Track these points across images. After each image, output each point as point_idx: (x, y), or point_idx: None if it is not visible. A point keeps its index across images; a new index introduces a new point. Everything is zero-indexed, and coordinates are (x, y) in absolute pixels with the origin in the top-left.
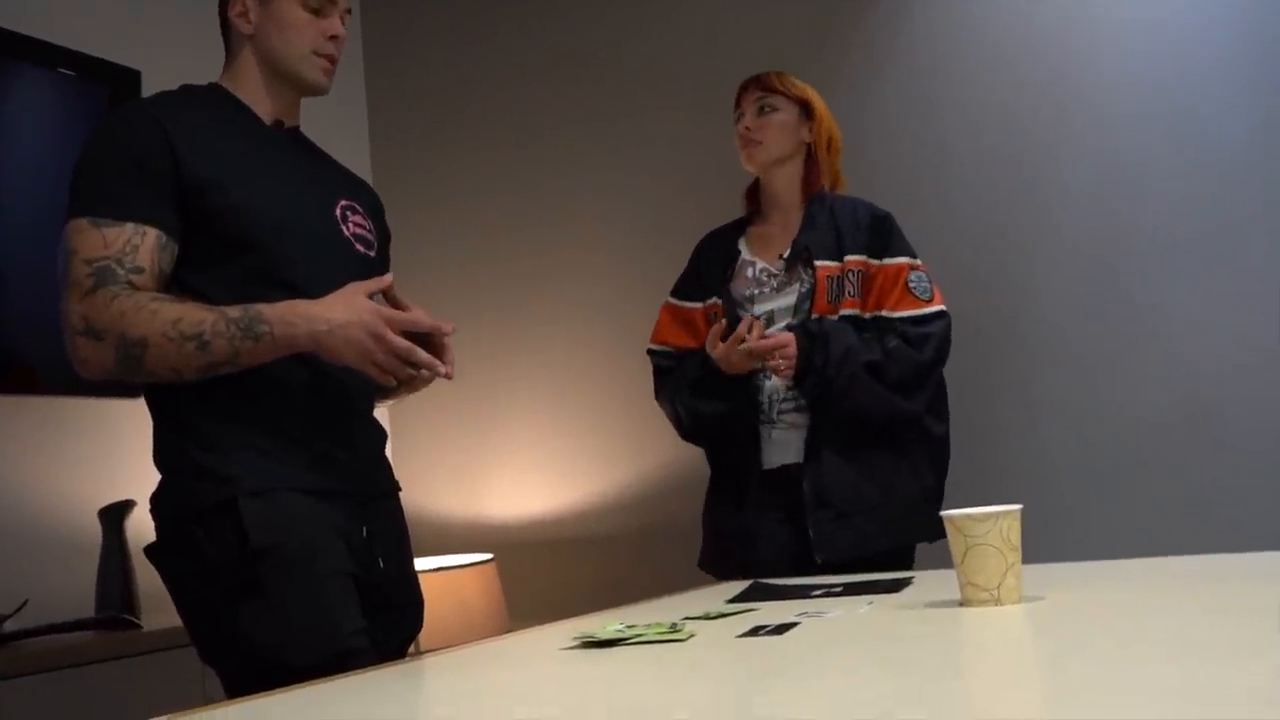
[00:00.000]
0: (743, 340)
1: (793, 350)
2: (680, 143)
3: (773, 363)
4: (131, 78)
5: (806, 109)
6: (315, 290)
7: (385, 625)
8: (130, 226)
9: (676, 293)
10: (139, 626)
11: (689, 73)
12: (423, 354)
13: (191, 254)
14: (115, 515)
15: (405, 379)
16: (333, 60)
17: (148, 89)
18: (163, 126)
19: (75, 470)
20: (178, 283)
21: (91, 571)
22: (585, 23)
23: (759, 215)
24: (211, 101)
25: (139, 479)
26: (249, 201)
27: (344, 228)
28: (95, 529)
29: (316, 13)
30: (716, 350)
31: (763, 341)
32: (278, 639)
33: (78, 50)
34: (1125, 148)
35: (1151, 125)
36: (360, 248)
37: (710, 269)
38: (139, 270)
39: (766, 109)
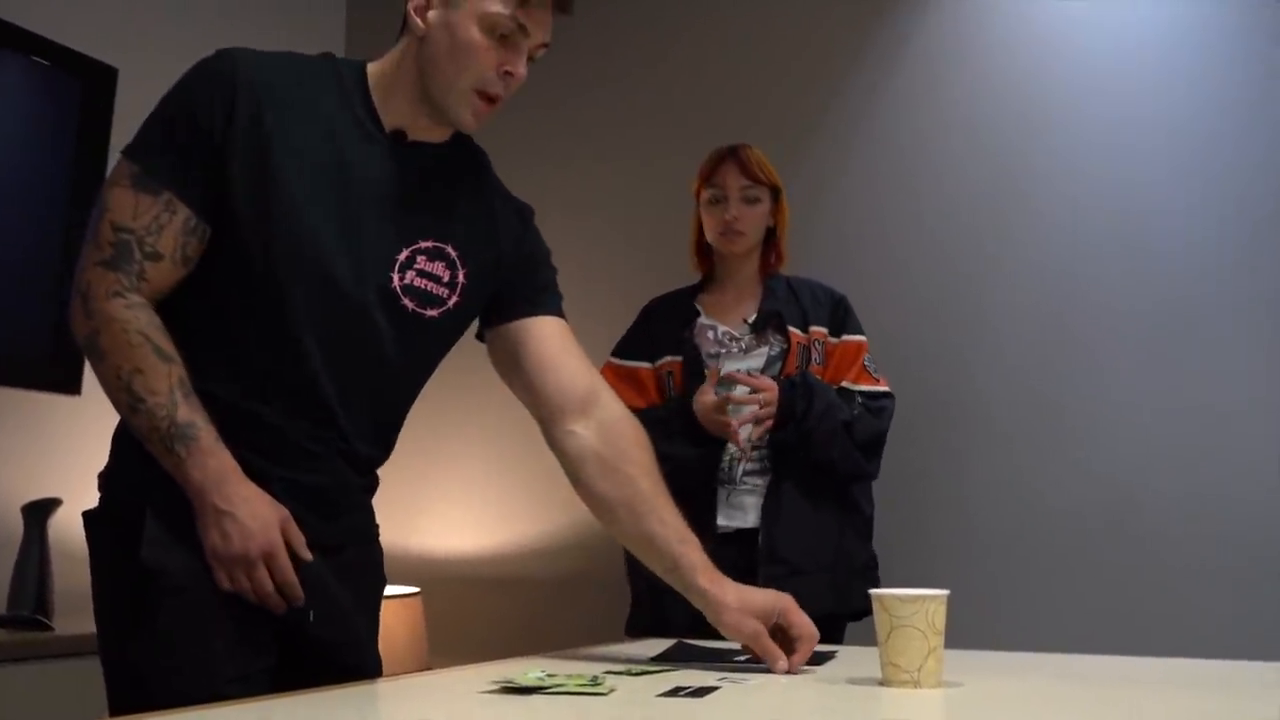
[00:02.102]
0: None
1: (774, 395)
2: (634, 199)
3: (752, 408)
4: (108, 75)
5: (776, 194)
6: (317, 350)
7: (322, 683)
8: (164, 198)
9: (620, 353)
10: (50, 629)
11: (647, 133)
12: (291, 594)
13: (205, 273)
14: (39, 512)
15: (260, 602)
16: (494, 100)
17: (124, 88)
18: (234, 92)
19: (3, 462)
20: (194, 295)
21: (7, 568)
22: (555, 68)
23: (712, 283)
24: (330, 85)
25: (71, 478)
26: (275, 228)
27: (395, 277)
28: (17, 524)
29: (504, 40)
30: (706, 397)
31: (749, 379)
32: (150, 665)
33: (55, 40)
34: (1067, 247)
35: (1093, 228)
36: (408, 302)
37: (664, 328)
38: (156, 257)
39: (751, 199)
